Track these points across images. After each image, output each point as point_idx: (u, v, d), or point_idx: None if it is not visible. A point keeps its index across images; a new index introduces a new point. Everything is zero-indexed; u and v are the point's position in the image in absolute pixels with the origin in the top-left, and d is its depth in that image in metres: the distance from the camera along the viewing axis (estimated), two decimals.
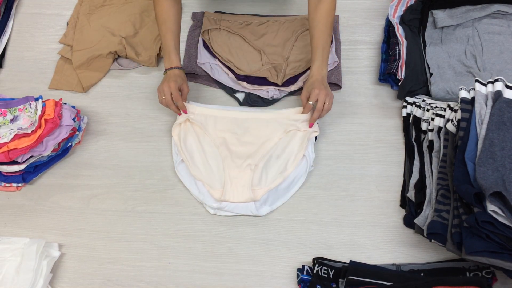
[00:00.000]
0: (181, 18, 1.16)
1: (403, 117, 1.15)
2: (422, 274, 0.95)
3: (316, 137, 1.12)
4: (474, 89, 0.97)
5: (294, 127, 1.11)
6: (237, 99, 1.22)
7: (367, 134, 1.16)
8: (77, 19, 1.35)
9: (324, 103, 1.07)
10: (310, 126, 1.10)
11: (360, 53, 1.28)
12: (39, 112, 1.06)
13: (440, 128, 1.04)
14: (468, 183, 0.87)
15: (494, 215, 0.81)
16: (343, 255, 1.00)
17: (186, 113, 1.13)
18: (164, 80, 1.12)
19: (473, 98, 0.96)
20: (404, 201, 1.06)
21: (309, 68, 1.20)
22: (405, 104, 1.16)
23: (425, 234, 0.93)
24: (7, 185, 1.11)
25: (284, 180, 1.07)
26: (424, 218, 0.96)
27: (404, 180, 1.08)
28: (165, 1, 1.11)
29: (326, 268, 0.95)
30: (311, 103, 1.08)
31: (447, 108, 1.04)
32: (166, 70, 1.13)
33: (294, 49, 1.25)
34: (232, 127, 1.14)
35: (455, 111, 1.01)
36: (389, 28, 1.27)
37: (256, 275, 1.00)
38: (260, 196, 1.05)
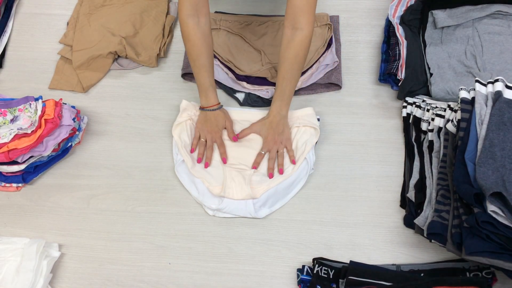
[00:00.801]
0: (213, 50, 1.10)
1: (403, 117, 1.15)
2: (422, 274, 0.95)
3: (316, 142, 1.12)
4: (474, 89, 0.97)
5: (294, 126, 1.11)
6: (237, 99, 1.22)
7: (367, 134, 1.16)
8: (77, 19, 1.35)
9: (278, 151, 1.07)
10: (270, 176, 1.06)
11: (360, 53, 1.28)
12: (39, 112, 1.06)
13: (440, 128, 1.04)
14: (468, 184, 0.87)
15: (494, 215, 0.81)
16: (343, 255, 1.00)
17: (225, 162, 1.09)
18: (206, 121, 1.11)
19: (473, 98, 0.96)
20: (404, 201, 1.06)
21: (309, 66, 1.21)
22: (405, 104, 1.16)
23: (425, 234, 0.93)
24: (7, 185, 1.11)
25: (284, 180, 1.07)
26: (424, 218, 0.96)
27: (404, 180, 1.08)
28: (195, 35, 1.03)
29: (326, 268, 0.95)
30: (262, 152, 1.08)
31: (447, 108, 1.04)
32: (204, 109, 1.11)
33: None
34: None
35: (455, 111, 1.01)
36: (389, 28, 1.27)
37: (256, 275, 1.00)
38: (259, 194, 1.05)
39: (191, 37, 1.04)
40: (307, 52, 1.04)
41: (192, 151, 1.11)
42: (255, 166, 1.08)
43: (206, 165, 1.09)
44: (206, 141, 1.11)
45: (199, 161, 1.09)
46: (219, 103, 1.12)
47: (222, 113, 1.12)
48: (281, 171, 1.07)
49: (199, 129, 1.12)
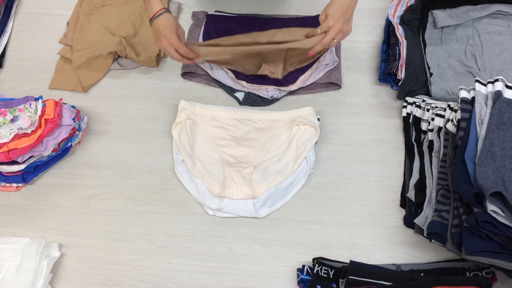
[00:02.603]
0: None
1: (403, 117, 1.15)
2: (422, 274, 0.95)
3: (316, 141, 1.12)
4: (474, 89, 0.97)
5: (294, 124, 1.11)
6: (236, 98, 1.22)
7: (367, 134, 1.16)
8: (77, 19, 1.35)
9: (333, 39, 0.99)
10: (309, 55, 1.03)
11: (360, 53, 1.28)
12: (39, 112, 1.06)
13: (440, 128, 1.04)
14: (468, 183, 0.87)
15: (494, 215, 0.81)
16: (343, 255, 1.00)
17: (197, 56, 1.06)
18: (158, 34, 1.05)
19: (473, 98, 0.96)
20: (404, 201, 1.06)
21: (309, 65, 1.20)
22: (405, 104, 1.16)
23: (425, 234, 0.93)
24: (7, 185, 1.11)
25: (284, 179, 1.07)
26: (424, 218, 0.96)
27: (404, 180, 1.08)
28: None
29: (326, 268, 0.95)
30: (319, 31, 1.00)
31: (447, 108, 1.04)
32: (151, 20, 1.05)
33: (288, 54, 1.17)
34: (231, 127, 1.14)
35: (455, 111, 1.01)
36: (389, 28, 1.27)
37: (256, 275, 1.00)
38: (259, 194, 1.05)
39: None
40: None
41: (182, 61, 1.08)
42: (310, 53, 1.02)
43: (193, 63, 1.10)
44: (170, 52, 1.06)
45: (192, 63, 1.10)
46: (164, 7, 1.06)
47: (169, 22, 1.05)
48: (309, 54, 1.04)
49: (159, 46, 1.07)
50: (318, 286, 0.94)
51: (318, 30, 1.01)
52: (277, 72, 1.17)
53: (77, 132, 1.14)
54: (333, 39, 1.00)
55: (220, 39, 1.14)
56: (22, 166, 1.06)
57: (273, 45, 1.09)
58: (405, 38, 1.22)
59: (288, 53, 1.14)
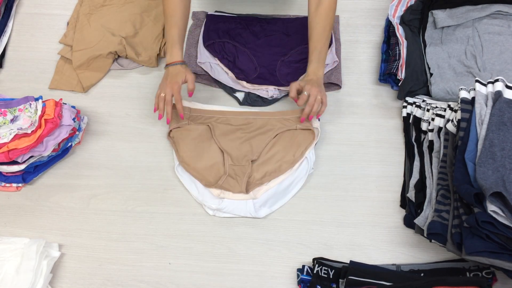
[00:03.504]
0: (189, 13, 1.14)
1: (403, 117, 1.15)
2: (422, 274, 0.95)
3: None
4: (474, 89, 0.97)
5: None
6: (236, 98, 1.22)
7: (367, 134, 1.16)
8: (77, 19, 1.35)
9: (316, 99, 1.06)
10: (301, 120, 1.10)
11: (360, 53, 1.28)
12: (39, 112, 1.06)
13: (440, 128, 1.04)
14: (468, 183, 0.87)
15: (494, 215, 0.81)
16: (343, 255, 1.00)
17: (182, 118, 1.10)
18: (166, 77, 1.10)
19: (473, 98, 0.96)
20: (404, 201, 1.06)
21: None
22: (405, 104, 1.16)
23: (425, 234, 0.93)
24: (7, 185, 1.11)
25: (284, 179, 1.07)
26: (424, 218, 0.96)
27: (404, 180, 1.08)
28: None
29: (326, 268, 0.95)
30: (305, 93, 1.06)
31: (447, 108, 1.04)
32: (167, 65, 1.11)
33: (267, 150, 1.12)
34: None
35: (455, 111, 1.01)
36: (389, 28, 1.27)
37: (256, 275, 1.00)
38: (260, 194, 1.05)
39: None
40: (335, 14, 1.12)
41: (154, 110, 1.09)
42: (295, 99, 1.07)
43: (168, 121, 1.10)
44: (165, 96, 1.08)
45: (159, 117, 1.09)
46: (183, 61, 1.12)
47: (183, 68, 1.10)
48: (301, 119, 1.10)
49: (160, 85, 1.11)
50: (318, 286, 0.94)
51: (305, 92, 1.06)
52: (241, 185, 1.06)
53: (77, 132, 1.14)
54: (315, 96, 1.06)
55: (211, 111, 1.16)
56: (22, 166, 1.06)
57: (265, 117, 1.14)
58: (405, 38, 1.22)
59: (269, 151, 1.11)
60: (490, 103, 0.94)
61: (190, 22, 1.34)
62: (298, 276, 0.97)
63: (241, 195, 1.05)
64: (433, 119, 1.06)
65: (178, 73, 1.09)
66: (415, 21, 1.25)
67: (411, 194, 1.03)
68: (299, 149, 1.09)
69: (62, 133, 1.08)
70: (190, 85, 1.10)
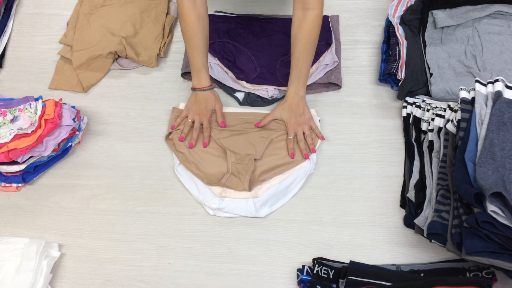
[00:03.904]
0: (208, 31, 1.10)
1: (403, 117, 1.15)
2: (422, 274, 0.95)
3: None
4: (474, 89, 0.97)
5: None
6: (236, 98, 1.22)
7: (367, 134, 1.16)
8: (77, 19, 1.35)
9: (304, 133, 1.09)
10: (306, 157, 1.08)
11: (360, 53, 1.28)
12: (39, 112, 1.06)
13: (440, 128, 1.04)
14: (468, 184, 0.87)
15: (494, 215, 0.81)
16: (343, 255, 1.00)
17: (205, 146, 1.11)
18: (194, 102, 1.12)
19: (473, 98, 0.96)
20: (404, 201, 1.06)
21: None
22: (405, 104, 1.16)
23: (425, 234, 0.93)
24: (7, 185, 1.11)
25: (284, 179, 1.07)
26: (424, 218, 0.96)
27: (404, 180, 1.08)
28: (190, 15, 1.05)
29: (326, 268, 0.95)
30: (290, 137, 1.09)
31: (447, 108, 1.04)
32: (195, 89, 1.12)
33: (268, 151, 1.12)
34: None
35: (455, 111, 1.01)
36: (389, 28, 1.27)
37: (256, 275, 1.00)
38: (261, 192, 1.05)
39: (186, 18, 1.06)
40: (319, 31, 1.06)
41: (173, 127, 1.12)
42: (292, 152, 1.08)
43: (191, 146, 1.10)
44: (193, 122, 1.12)
45: (181, 139, 1.10)
46: (211, 85, 1.13)
47: (213, 95, 1.13)
48: (306, 156, 1.08)
49: (188, 108, 1.13)
50: (318, 286, 0.94)
51: (290, 137, 1.10)
52: (244, 184, 1.06)
53: (77, 132, 1.14)
54: (302, 132, 1.09)
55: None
56: (22, 166, 1.06)
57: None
58: (405, 38, 1.22)
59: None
60: (490, 103, 0.94)
61: None
62: (298, 276, 0.97)
63: (243, 193, 1.05)
64: (433, 119, 1.06)
65: (207, 99, 1.11)
66: (415, 21, 1.25)
67: (411, 194, 1.03)
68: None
69: (62, 133, 1.08)
70: (219, 118, 1.12)
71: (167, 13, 1.36)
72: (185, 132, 1.11)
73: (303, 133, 1.10)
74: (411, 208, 1.03)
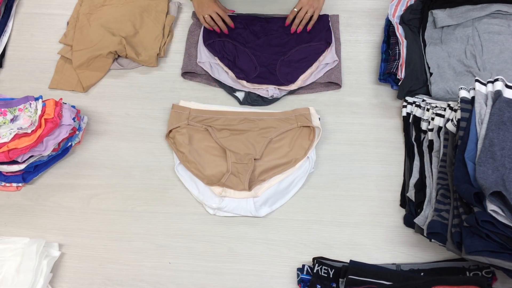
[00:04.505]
0: None
1: (403, 116, 1.15)
2: (422, 274, 0.95)
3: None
4: (474, 88, 0.97)
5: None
6: (237, 98, 1.22)
7: (367, 134, 1.16)
8: (77, 19, 1.35)
9: (306, 13, 1.20)
10: (291, 31, 1.22)
11: (360, 53, 1.28)
12: (39, 112, 1.06)
13: (440, 128, 1.04)
14: (468, 183, 0.87)
15: (494, 214, 0.81)
16: (343, 255, 1.00)
17: (232, 27, 1.24)
18: (200, 3, 1.21)
19: (473, 97, 0.96)
20: (404, 201, 1.06)
21: (309, 64, 1.21)
22: (405, 103, 1.16)
23: (425, 234, 0.93)
24: (7, 185, 1.11)
25: (284, 179, 1.07)
26: (424, 217, 0.96)
27: (404, 180, 1.08)
28: None
29: (326, 268, 0.95)
30: (295, 10, 1.21)
31: (447, 108, 1.04)
32: None
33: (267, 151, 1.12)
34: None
35: (455, 110, 1.01)
36: (389, 27, 1.27)
37: (256, 275, 1.00)
38: (261, 192, 1.05)
39: None
40: None
41: (210, 29, 1.25)
42: (287, 22, 1.24)
43: (226, 31, 1.24)
44: (210, 17, 1.22)
45: (218, 30, 1.23)
46: None
47: None
48: (292, 30, 1.23)
49: (199, 12, 1.23)
50: (318, 286, 0.94)
51: (295, 9, 1.23)
52: (244, 183, 1.06)
53: (77, 132, 1.14)
54: (306, 12, 1.22)
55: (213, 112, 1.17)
56: (22, 166, 1.06)
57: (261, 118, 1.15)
58: (405, 38, 1.22)
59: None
60: (490, 102, 0.94)
61: (190, 22, 1.34)
62: (298, 275, 0.97)
63: (243, 193, 1.05)
64: (433, 119, 1.06)
65: None
66: (415, 20, 1.25)
67: (411, 194, 1.03)
68: (301, 148, 1.10)
69: (62, 133, 1.08)
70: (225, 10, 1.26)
71: (167, 13, 1.36)
72: (213, 24, 1.23)
73: (306, 14, 1.21)
74: (411, 207, 1.03)
